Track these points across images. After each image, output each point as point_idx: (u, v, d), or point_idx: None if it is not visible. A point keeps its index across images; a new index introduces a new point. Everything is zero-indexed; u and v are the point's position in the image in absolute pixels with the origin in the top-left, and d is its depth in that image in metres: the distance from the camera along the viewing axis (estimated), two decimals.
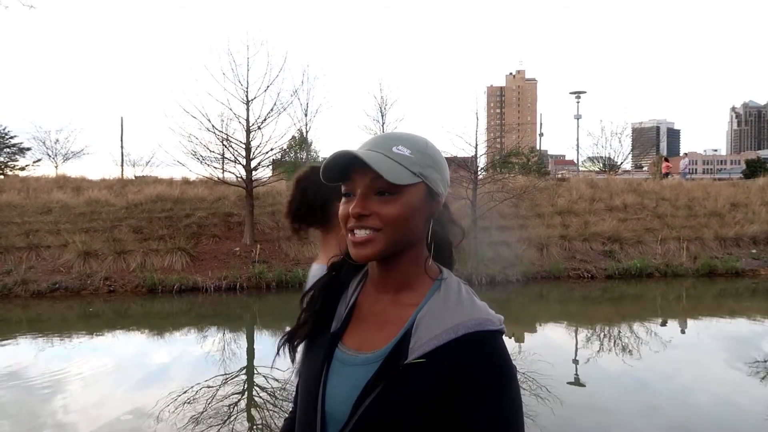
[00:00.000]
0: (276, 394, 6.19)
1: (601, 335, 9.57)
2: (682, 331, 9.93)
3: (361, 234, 1.02)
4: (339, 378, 1.05)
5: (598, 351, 8.36)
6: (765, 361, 7.65)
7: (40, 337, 9.19)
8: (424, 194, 1.06)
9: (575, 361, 7.72)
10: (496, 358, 0.98)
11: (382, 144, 1.05)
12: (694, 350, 8.50)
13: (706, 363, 7.69)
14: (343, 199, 1.07)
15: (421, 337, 0.99)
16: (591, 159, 39.82)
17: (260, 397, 6.25)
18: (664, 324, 10.41)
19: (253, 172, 14.92)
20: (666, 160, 29.66)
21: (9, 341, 8.86)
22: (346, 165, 1.04)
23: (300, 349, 1.19)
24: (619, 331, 9.81)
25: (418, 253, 1.09)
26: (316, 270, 1.91)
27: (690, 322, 10.82)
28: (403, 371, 0.98)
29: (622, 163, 36.81)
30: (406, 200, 1.03)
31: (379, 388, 0.98)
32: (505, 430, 0.95)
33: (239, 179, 14.95)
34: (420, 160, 1.05)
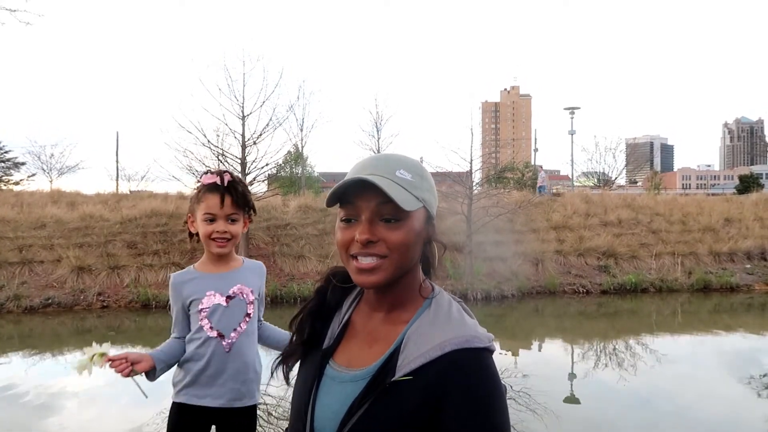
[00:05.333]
0: (270, 411, 6.13)
1: (597, 351, 9.55)
2: (678, 347, 9.91)
3: (367, 261, 1.02)
4: (328, 395, 1.06)
5: (594, 367, 8.33)
6: (763, 377, 7.63)
7: (33, 353, 9.10)
8: (424, 218, 1.07)
9: (571, 377, 7.69)
10: (483, 375, 0.97)
11: (384, 168, 1.04)
12: (690, 366, 8.48)
13: (703, 378, 7.67)
14: (342, 225, 1.05)
15: (409, 355, 0.99)
16: (585, 174, 40.06)
17: None
18: (660, 339, 10.39)
19: (249, 187, 14.89)
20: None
21: (1, 358, 8.77)
22: (346, 189, 1.03)
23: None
24: (615, 347, 9.79)
25: (414, 275, 1.10)
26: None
27: (686, 337, 10.81)
28: (390, 388, 0.98)
29: (616, 178, 37.06)
30: (411, 226, 1.03)
31: (366, 405, 0.98)
32: None
33: None
34: (420, 185, 1.05)
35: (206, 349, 2.21)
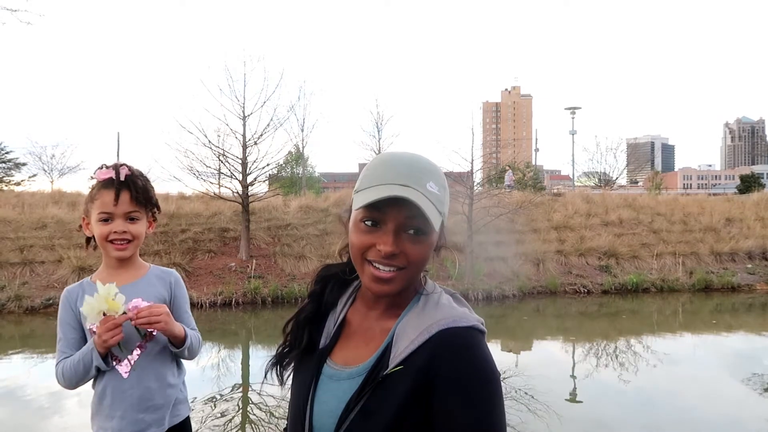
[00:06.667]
0: (271, 410, 6.13)
1: (599, 351, 9.54)
2: (680, 347, 9.90)
3: (386, 271, 1.01)
4: (326, 393, 1.06)
5: (596, 367, 8.33)
6: (764, 375, 7.62)
7: (34, 353, 9.11)
8: (440, 228, 1.06)
9: (573, 377, 7.69)
10: (474, 352, 0.98)
11: (416, 179, 1.01)
12: (692, 366, 8.48)
13: (704, 378, 7.66)
14: (364, 227, 1.02)
15: (400, 346, 1.01)
16: (586, 174, 40.05)
17: (255, 414, 6.19)
18: (661, 339, 10.38)
19: (249, 188, 14.95)
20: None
21: (2, 358, 8.78)
22: (380, 200, 0.99)
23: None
24: (617, 347, 9.78)
25: (418, 277, 1.10)
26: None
27: (687, 337, 10.80)
28: (384, 381, 0.99)
29: (617, 178, 37.07)
30: (432, 240, 1.04)
31: (362, 400, 0.99)
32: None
33: (235, 194, 14.95)
34: (443, 198, 1.05)
35: (102, 375, 1.96)
